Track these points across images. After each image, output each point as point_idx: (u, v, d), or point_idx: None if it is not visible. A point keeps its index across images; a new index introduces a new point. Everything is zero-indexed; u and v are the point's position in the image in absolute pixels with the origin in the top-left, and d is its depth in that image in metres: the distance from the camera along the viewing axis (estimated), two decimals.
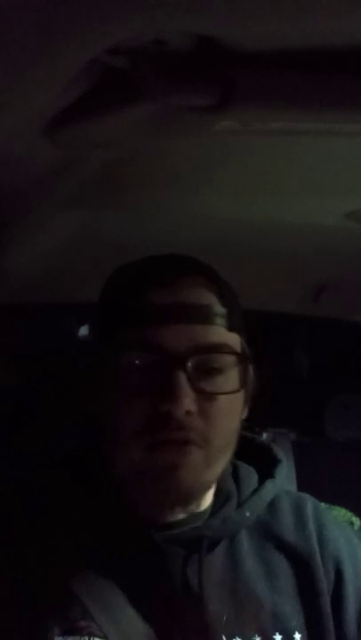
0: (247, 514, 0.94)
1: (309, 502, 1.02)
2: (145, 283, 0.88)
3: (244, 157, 0.98)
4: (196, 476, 0.86)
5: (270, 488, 0.97)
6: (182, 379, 0.84)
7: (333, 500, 1.65)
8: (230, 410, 0.89)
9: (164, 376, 0.84)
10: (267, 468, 0.99)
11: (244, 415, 0.94)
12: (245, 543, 0.95)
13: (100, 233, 1.23)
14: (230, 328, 0.89)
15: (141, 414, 0.85)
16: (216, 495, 0.95)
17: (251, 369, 0.92)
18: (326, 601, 0.94)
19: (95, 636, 0.84)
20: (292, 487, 1.77)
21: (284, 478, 1.00)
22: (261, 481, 0.98)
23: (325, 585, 0.95)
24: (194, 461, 0.86)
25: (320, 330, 2.28)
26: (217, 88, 0.76)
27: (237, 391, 0.89)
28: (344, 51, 0.72)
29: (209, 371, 0.87)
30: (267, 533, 0.96)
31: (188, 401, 0.84)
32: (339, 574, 0.96)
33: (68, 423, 1.05)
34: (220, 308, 0.89)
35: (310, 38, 0.71)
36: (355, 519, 1.73)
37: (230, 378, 0.89)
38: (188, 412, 0.84)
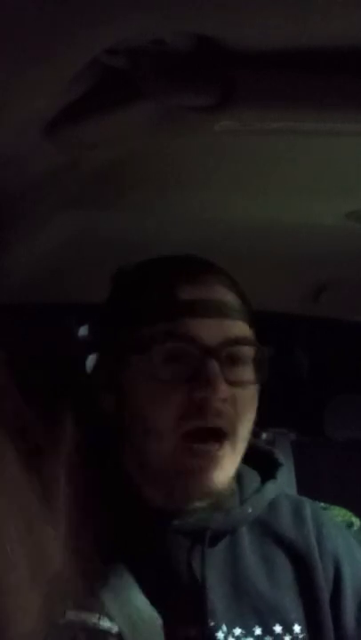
0: (249, 510, 0.96)
1: (308, 503, 1.04)
2: (174, 280, 0.92)
3: (244, 157, 0.98)
4: (226, 472, 0.90)
5: (271, 488, 0.99)
6: (217, 368, 0.88)
7: (333, 500, 1.66)
8: (253, 400, 0.93)
9: (200, 365, 0.88)
10: (268, 471, 1.01)
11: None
12: (246, 539, 0.97)
13: (100, 233, 1.23)
14: (249, 323, 0.94)
15: (177, 403, 0.88)
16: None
17: (268, 362, 0.95)
18: (325, 596, 0.96)
19: (105, 615, 0.85)
20: (293, 488, 1.77)
21: (285, 481, 1.02)
22: (263, 482, 1.00)
23: (324, 581, 0.97)
24: (225, 459, 0.90)
25: (320, 330, 2.28)
26: (217, 88, 0.76)
27: (260, 382, 0.93)
28: (344, 51, 0.72)
29: (236, 362, 0.91)
30: (267, 531, 0.99)
31: (224, 388, 0.88)
32: (337, 572, 0.98)
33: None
34: (240, 305, 0.94)
35: (310, 38, 0.71)
36: (355, 519, 1.73)
37: (250, 370, 0.93)
38: (224, 400, 0.88)
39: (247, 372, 0.92)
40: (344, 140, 0.90)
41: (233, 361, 0.91)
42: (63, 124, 0.81)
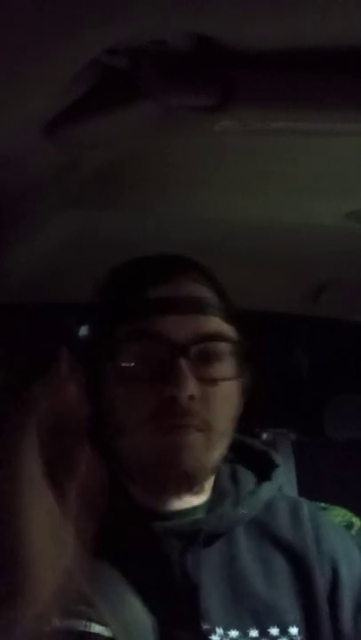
0: (243, 511, 0.96)
1: (305, 504, 1.04)
2: (144, 279, 0.93)
3: (244, 157, 0.98)
4: (197, 457, 0.90)
5: (266, 489, 0.99)
6: (185, 365, 0.88)
7: (334, 499, 1.65)
8: (228, 396, 0.93)
9: (168, 363, 0.88)
10: (264, 472, 1.01)
11: (241, 407, 0.96)
12: (243, 541, 0.96)
13: (100, 233, 1.23)
14: (225, 319, 0.93)
15: (147, 401, 0.88)
16: (213, 493, 0.96)
17: (246, 358, 0.95)
18: (323, 598, 0.95)
19: (94, 622, 0.85)
20: (293, 488, 1.77)
21: (281, 481, 1.03)
22: (259, 483, 0.99)
23: (322, 582, 0.96)
24: (195, 443, 0.89)
25: (320, 330, 2.28)
26: (217, 88, 0.76)
27: (235, 378, 0.93)
28: (344, 51, 0.72)
29: (208, 358, 0.91)
30: (264, 532, 0.98)
31: (192, 386, 0.88)
32: (335, 573, 0.98)
33: None
34: (214, 300, 0.93)
35: (310, 38, 0.71)
36: (355, 519, 1.72)
37: (228, 365, 0.92)
38: (191, 397, 0.88)
39: (222, 369, 0.91)
40: (344, 140, 0.90)
41: (206, 357, 0.90)
42: (63, 124, 0.81)
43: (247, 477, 1.00)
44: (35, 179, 0.96)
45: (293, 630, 0.92)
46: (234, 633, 0.90)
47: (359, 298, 1.50)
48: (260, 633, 0.91)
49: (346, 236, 1.22)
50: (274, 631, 0.91)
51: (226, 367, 0.92)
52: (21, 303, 1.43)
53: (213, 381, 0.90)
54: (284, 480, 1.02)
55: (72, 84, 0.74)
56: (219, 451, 0.92)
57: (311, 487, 1.75)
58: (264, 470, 1.01)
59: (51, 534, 0.75)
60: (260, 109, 0.79)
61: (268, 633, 0.91)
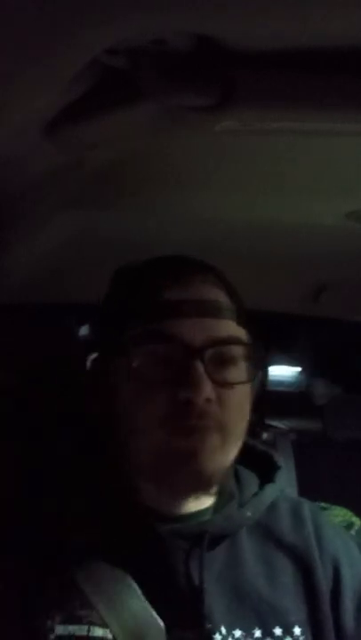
0: (248, 514, 0.96)
1: (307, 505, 1.04)
2: (159, 281, 0.92)
3: (244, 157, 0.98)
4: (214, 459, 0.89)
5: (270, 491, 0.99)
6: (201, 368, 0.88)
7: (334, 500, 1.66)
8: (243, 399, 0.93)
9: (184, 366, 0.88)
10: (267, 474, 1.01)
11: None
12: (246, 543, 0.96)
13: (100, 233, 1.23)
14: (239, 322, 0.93)
15: (162, 403, 0.88)
16: (219, 495, 0.96)
17: (259, 361, 0.95)
18: (325, 598, 0.96)
19: (95, 624, 0.85)
20: (293, 488, 1.77)
21: (284, 483, 1.03)
22: (262, 485, 1.00)
23: (324, 583, 0.97)
24: (212, 446, 0.89)
25: (320, 330, 2.28)
26: (217, 88, 0.76)
27: (249, 381, 0.93)
28: (344, 51, 0.72)
29: (223, 362, 0.91)
30: (267, 534, 0.99)
31: (208, 389, 0.88)
32: (337, 574, 0.98)
33: (67, 423, 1.06)
34: (229, 304, 0.93)
35: (310, 38, 0.71)
36: (355, 519, 1.73)
37: (242, 369, 0.92)
38: (208, 400, 0.88)
39: (236, 372, 0.91)
40: (344, 140, 0.91)
41: (220, 361, 0.90)
42: (63, 124, 0.81)
43: (250, 479, 1.00)
44: (35, 179, 0.96)
45: (297, 630, 0.93)
46: (238, 632, 0.90)
47: (359, 298, 1.50)
48: (264, 633, 0.91)
49: (346, 236, 1.22)
50: (278, 631, 0.92)
51: (240, 370, 0.92)
52: (21, 303, 1.43)
53: (228, 385, 0.90)
54: (284, 482, 1.02)
55: (72, 83, 0.74)
56: (233, 452, 0.92)
57: (311, 487, 1.75)
58: (266, 472, 1.01)
59: None
60: (260, 109, 0.79)
61: (272, 633, 0.92)
